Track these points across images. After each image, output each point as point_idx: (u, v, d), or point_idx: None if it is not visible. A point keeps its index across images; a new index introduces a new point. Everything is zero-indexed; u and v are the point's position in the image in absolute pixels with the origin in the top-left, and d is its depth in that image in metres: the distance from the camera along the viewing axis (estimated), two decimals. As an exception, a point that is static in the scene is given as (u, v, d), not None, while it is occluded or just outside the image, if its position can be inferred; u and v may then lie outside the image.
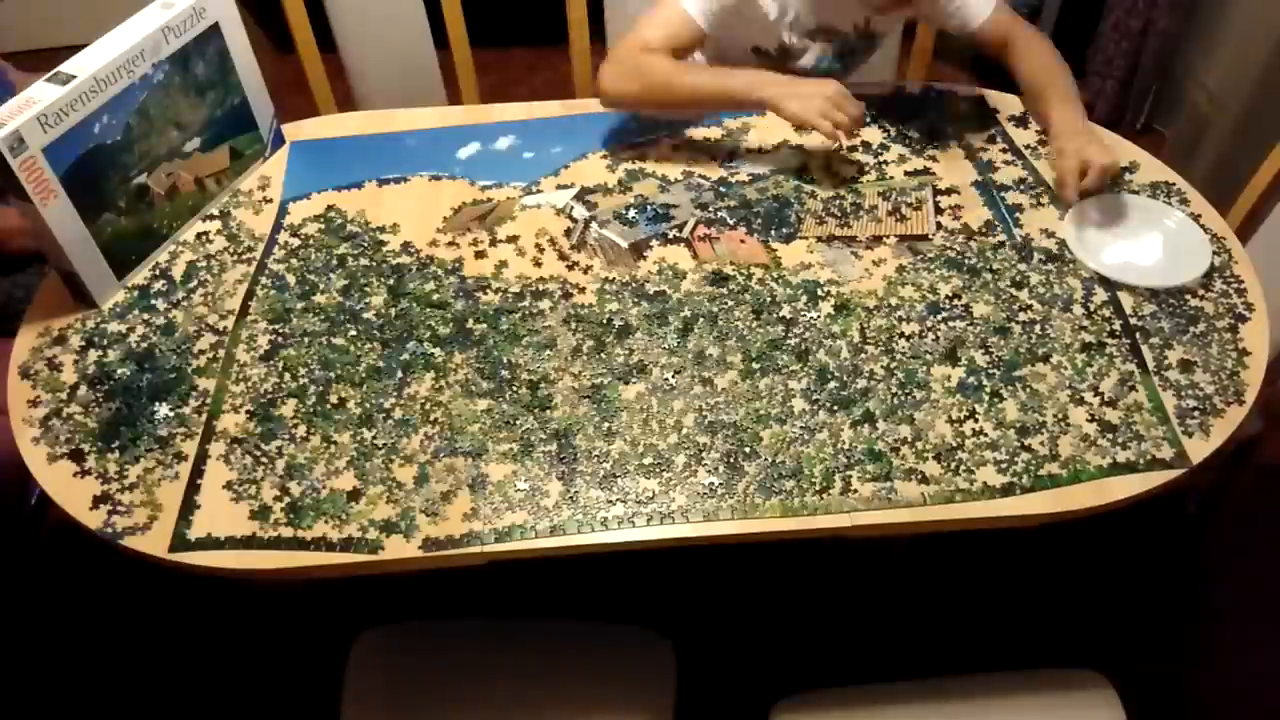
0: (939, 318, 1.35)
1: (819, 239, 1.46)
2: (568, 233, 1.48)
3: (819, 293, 1.38)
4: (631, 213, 1.51)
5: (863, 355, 1.30)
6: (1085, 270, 1.40)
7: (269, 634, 1.82)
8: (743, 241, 1.46)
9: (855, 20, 1.65)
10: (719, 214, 1.50)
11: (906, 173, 1.56)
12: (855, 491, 1.17)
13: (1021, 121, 1.64)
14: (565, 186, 1.55)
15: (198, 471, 1.20)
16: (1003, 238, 1.45)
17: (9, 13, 3.05)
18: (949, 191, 1.53)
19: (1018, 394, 1.26)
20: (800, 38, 1.64)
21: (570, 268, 1.43)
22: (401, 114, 1.70)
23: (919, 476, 1.18)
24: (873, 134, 1.63)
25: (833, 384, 1.27)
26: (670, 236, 1.47)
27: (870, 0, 1.59)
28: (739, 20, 1.58)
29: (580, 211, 1.51)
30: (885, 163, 1.58)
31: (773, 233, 1.47)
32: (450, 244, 1.47)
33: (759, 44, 1.65)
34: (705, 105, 1.63)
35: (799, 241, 1.46)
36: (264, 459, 1.21)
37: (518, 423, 1.24)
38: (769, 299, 1.37)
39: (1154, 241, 1.45)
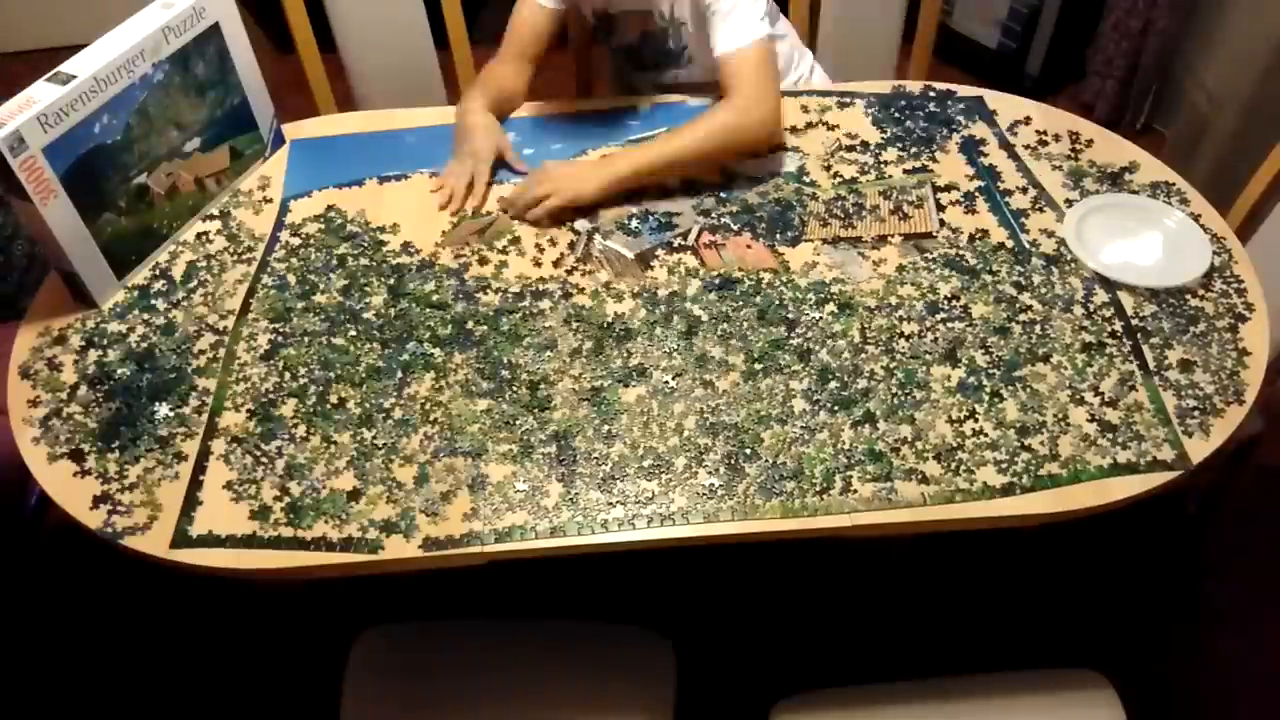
0: (938, 318, 1.35)
1: (824, 240, 1.46)
2: (571, 245, 1.47)
3: (828, 295, 1.38)
4: (634, 222, 1.50)
5: (863, 355, 1.30)
6: (1085, 270, 1.40)
7: (269, 634, 1.82)
8: (749, 247, 1.46)
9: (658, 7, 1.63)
10: (722, 220, 1.50)
11: (905, 171, 1.56)
12: (855, 492, 1.17)
13: (1020, 122, 1.64)
14: None
15: (199, 469, 1.20)
16: (1004, 239, 1.45)
17: (9, 13, 3.05)
18: (949, 188, 1.53)
19: (1018, 394, 1.26)
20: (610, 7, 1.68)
21: (570, 271, 1.43)
22: (401, 114, 1.70)
23: (919, 476, 1.18)
24: (872, 134, 1.63)
25: (833, 384, 1.27)
26: (675, 245, 1.46)
27: None
28: None
29: (582, 224, 1.50)
30: (885, 163, 1.58)
31: (778, 236, 1.47)
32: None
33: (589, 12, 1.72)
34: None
35: (805, 244, 1.46)
36: (264, 459, 1.21)
37: (517, 423, 1.24)
38: (777, 302, 1.37)
39: (1154, 241, 1.45)
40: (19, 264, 1.73)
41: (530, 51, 1.66)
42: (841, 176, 1.56)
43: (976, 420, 1.23)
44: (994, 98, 1.69)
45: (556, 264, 1.44)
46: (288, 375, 1.31)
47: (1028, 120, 1.65)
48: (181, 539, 1.14)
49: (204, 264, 1.46)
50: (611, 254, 1.46)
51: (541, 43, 1.66)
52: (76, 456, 1.23)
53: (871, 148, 1.60)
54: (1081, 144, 1.60)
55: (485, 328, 1.35)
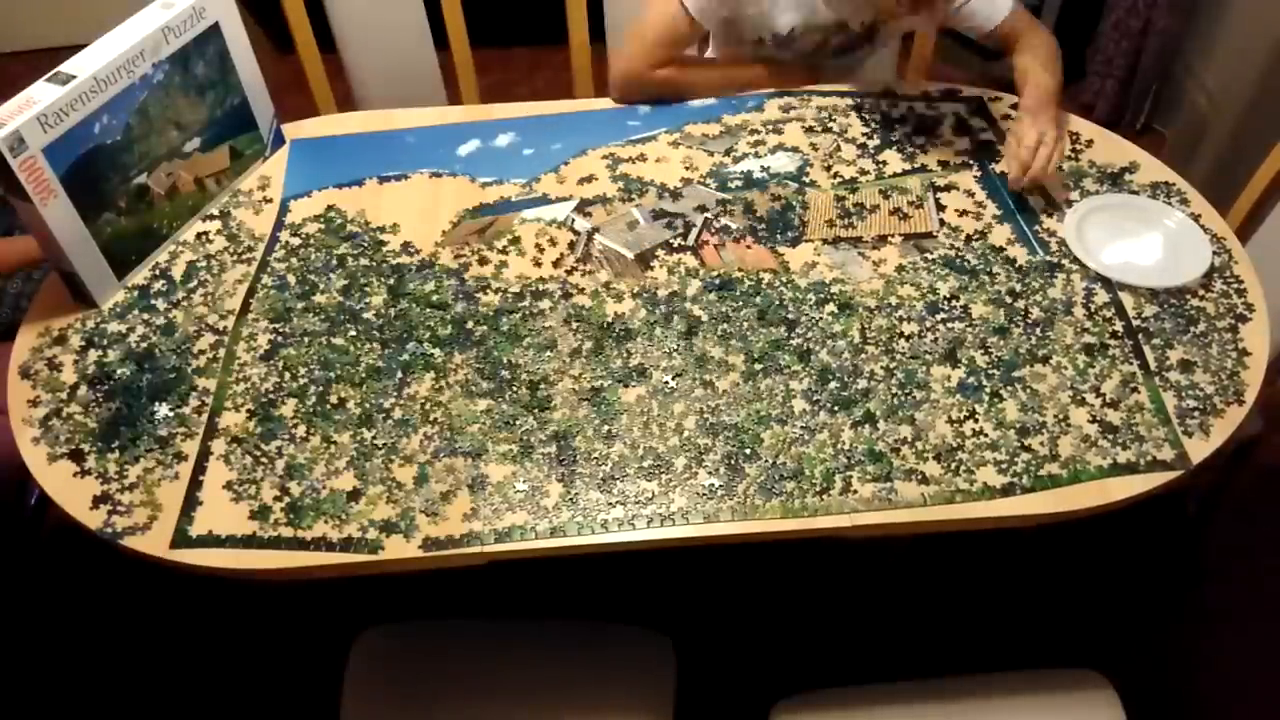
0: (938, 318, 1.35)
1: (825, 241, 1.46)
2: (571, 245, 1.47)
3: (828, 295, 1.38)
4: (635, 216, 1.50)
5: (863, 355, 1.30)
6: (1086, 271, 1.40)
7: (269, 634, 1.82)
8: (749, 247, 1.46)
9: (861, 19, 1.66)
10: (722, 220, 1.50)
11: (905, 171, 1.56)
12: (855, 492, 1.17)
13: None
14: (564, 199, 1.54)
15: (199, 469, 1.20)
16: (1009, 240, 1.45)
17: (9, 13, 3.05)
18: (949, 189, 1.53)
19: (1017, 394, 1.26)
20: (798, 28, 1.65)
21: (570, 272, 1.43)
22: (401, 114, 1.70)
23: (919, 477, 1.18)
24: (872, 134, 1.63)
25: (833, 384, 1.27)
26: (675, 245, 1.46)
27: (881, 4, 1.60)
28: (738, 9, 1.63)
29: (582, 224, 1.50)
30: (884, 163, 1.58)
31: (778, 236, 1.47)
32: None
33: (760, 34, 1.68)
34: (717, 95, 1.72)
35: (805, 244, 1.46)
36: (264, 459, 1.21)
37: (517, 423, 1.24)
38: (777, 302, 1.37)
39: (1154, 241, 1.45)
40: (9, 302, 1.72)
41: (671, 57, 1.68)
42: (841, 176, 1.56)
43: (976, 420, 1.23)
44: (994, 98, 1.69)
45: (556, 264, 1.44)
46: (288, 375, 1.31)
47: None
48: (181, 539, 1.14)
49: (204, 264, 1.46)
50: (611, 254, 1.46)
51: (680, 52, 1.70)
52: (76, 456, 1.22)
53: (871, 148, 1.60)
54: (1081, 144, 1.61)
55: (485, 328, 1.35)
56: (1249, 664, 1.78)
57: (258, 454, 1.22)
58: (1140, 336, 1.32)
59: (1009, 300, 1.37)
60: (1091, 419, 1.23)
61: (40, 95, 1.24)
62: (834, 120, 1.65)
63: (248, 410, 1.27)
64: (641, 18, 1.66)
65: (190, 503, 1.17)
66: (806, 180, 1.55)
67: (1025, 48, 1.65)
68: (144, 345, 1.35)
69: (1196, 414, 1.23)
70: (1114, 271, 1.39)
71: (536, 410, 1.25)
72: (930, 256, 1.43)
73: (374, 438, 1.23)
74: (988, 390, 1.26)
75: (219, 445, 1.23)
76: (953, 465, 1.19)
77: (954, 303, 1.37)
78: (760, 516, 1.15)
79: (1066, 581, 1.88)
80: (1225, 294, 1.37)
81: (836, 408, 1.25)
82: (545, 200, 1.54)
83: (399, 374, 1.30)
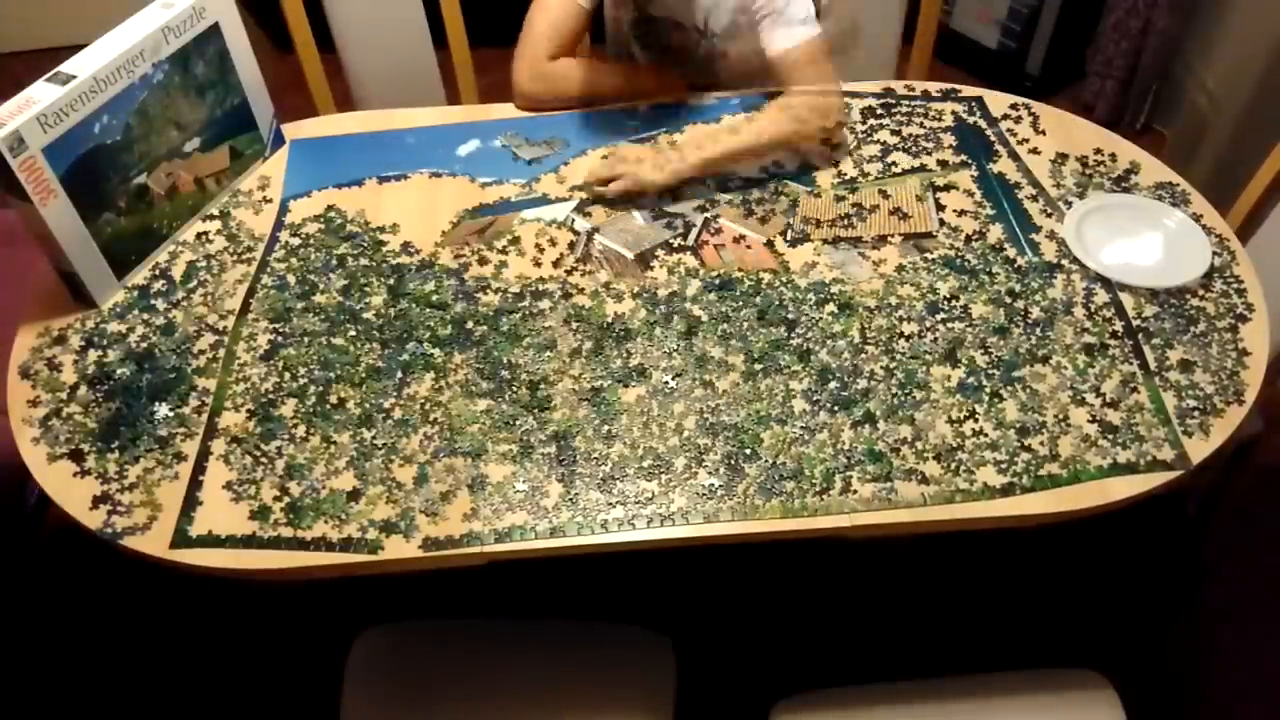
0: (938, 318, 1.35)
1: (824, 240, 1.46)
2: (571, 245, 1.47)
3: (828, 295, 1.38)
4: (635, 216, 1.50)
5: (863, 355, 1.30)
6: (1086, 271, 1.40)
7: (269, 634, 1.82)
8: (749, 247, 1.46)
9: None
10: (722, 220, 1.50)
11: (905, 170, 1.56)
12: (855, 492, 1.17)
13: (1019, 121, 1.64)
14: (564, 199, 1.54)
15: (199, 469, 1.21)
16: (1005, 240, 1.45)
17: (9, 13, 3.05)
18: (948, 188, 1.53)
19: (1017, 394, 1.26)
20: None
21: (570, 272, 1.43)
22: (400, 114, 1.70)
23: (919, 477, 1.18)
24: (872, 134, 1.62)
25: (833, 384, 1.27)
26: (675, 245, 1.47)
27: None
28: None
29: (582, 224, 1.50)
30: (885, 163, 1.58)
31: (779, 237, 1.47)
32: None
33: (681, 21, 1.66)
34: (611, 101, 1.69)
35: (805, 244, 1.46)
36: (264, 459, 1.21)
37: (517, 423, 1.24)
38: (777, 302, 1.37)
39: (1154, 241, 1.45)
40: None
41: (564, 45, 1.65)
42: (842, 176, 1.56)
43: (976, 420, 1.23)
44: (993, 98, 1.69)
45: (556, 264, 1.44)
46: (288, 375, 1.31)
47: (1037, 122, 1.64)
48: (181, 539, 1.15)
49: (204, 264, 1.46)
50: (611, 254, 1.46)
51: (575, 42, 1.66)
52: (76, 456, 1.23)
53: (871, 148, 1.60)
54: (1083, 145, 1.60)
55: (485, 328, 1.35)
56: (1249, 664, 1.78)
57: (258, 454, 1.22)
58: (1140, 336, 1.32)
59: (1009, 300, 1.37)
60: (1091, 419, 1.23)
61: (40, 95, 1.24)
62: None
63: (248, 410, 1.27)
64: (531, 13, 1.64)
65: (190, 503, 1.17)
66: (807, 180, 1.55)
67: (787, 95, 1.52)
68: (144, 345, 1.35)
69: (1196, 414, 1.23)
70: (1113, 272, 1.39)
71: (536, 410, 1.25)
72: (930, 256, 1.43)
73: (374, 438, 1.23)
74: (988, 390, 1.26)
75: (219, 445, 1.23)
76: (953, 465, 1.19)
77: (954, 303, 1.37)
78: (760, 516, 1.15)
79: (1066, 581, 1.88)
80: (1225, 294, 1.37)
81: (836, 408, 1.25)
82: (545, 200, 1.54)
83: (399, 374, 1.30)
